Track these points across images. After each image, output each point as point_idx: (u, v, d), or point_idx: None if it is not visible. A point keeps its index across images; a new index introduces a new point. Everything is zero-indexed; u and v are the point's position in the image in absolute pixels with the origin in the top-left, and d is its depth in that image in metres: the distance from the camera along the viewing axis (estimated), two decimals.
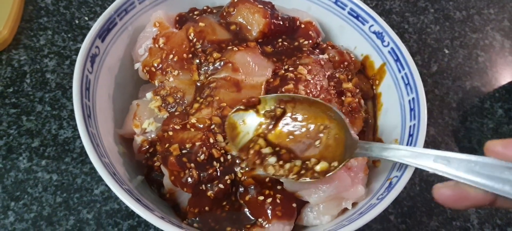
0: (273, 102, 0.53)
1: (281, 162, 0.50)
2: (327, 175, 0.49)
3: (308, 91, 0.56)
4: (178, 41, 0.60)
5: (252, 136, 0.53)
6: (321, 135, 0.51)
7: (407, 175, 0.50)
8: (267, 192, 0.52)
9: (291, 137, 0.52)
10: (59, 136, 0.67)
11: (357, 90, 0.62)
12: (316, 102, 0.53)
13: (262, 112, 0.54)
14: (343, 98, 0.60)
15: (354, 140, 0.49)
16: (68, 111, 0.70)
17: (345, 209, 0.54)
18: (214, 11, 0.67)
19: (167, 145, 0.53)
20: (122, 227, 0.61)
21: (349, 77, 0.63)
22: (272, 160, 0.50)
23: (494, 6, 0.95)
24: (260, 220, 0.51)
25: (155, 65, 0.59)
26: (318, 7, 0.69)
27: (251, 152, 0.51)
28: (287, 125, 0.53)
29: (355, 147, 0.49)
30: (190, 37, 0.60)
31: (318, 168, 0.49)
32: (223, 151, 0.52)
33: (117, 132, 0.58)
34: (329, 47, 0.66)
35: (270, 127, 0.53)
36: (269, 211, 0.50)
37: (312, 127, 0.52)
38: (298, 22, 0.66)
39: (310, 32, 0.66)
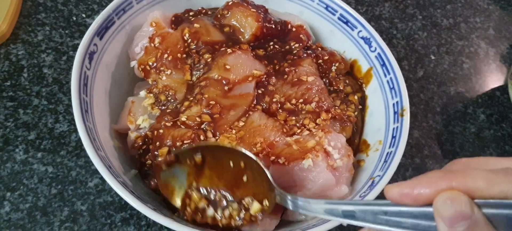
0: (189, 154, 0.52)
1: (219, 211, 0.50)
2: (261, 217, 0.49)
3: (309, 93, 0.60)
4: (173, 41, 0.62)
5: (186, 187, 0.53)
6: (245, 171, 0.50)
7: (389, 174, 0.53)
8: None
9: (219, 177, 0.51)
10: (55, 130, 0.69)
11: (360, 106, 0.66)
12: (227, 148, 0.51)
13: (187, 163, 0.52)
14: (346, 106, 0.64)
15: (272, 185, 0.49)
16: (64, 105, 0.71)
17: None
18: (209, 12, 0.70)
19: (157, 143, 0.54)
20: (115, 219, 0.63)
21: (354, 90, 0.66)
22: (210, 212, 0.51)
23: (480, 15, 0.98)
24: None
25: (150, 63, 0.61)
26: (310, 12, 0.71)
27: (188, 210, 0.51)
28: (211, 167, 0.52)
29: (274, 192, 0.49)
30: (185, 38, 0.62)
31: (252, 210, 0.49)
32: None
33: (113, 127, 0.60)
34: (319, 48, 0.69)
35: (197, 175, 0.52)
36: None
37: (232, 164, 0.51)
38: (289, 26, 0.68)
39: (301, 35, 0.68)
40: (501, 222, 0.32)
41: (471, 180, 0.33)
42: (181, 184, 0.53)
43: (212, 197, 0.51)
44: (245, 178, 0.51)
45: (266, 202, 0.49)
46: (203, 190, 0.52)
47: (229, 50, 0.60)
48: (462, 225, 0.32)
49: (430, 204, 0.34)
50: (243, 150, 0.50)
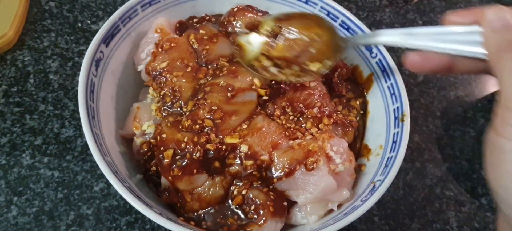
0: (271, 22, 0.62)
1: (280, 70, 0.60)
2: (321, 71, 0.59)
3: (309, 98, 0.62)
4: (181, 47, 0.63)
5: (257, 53, 0.62)
6: (315, 41, 0.60)
7: (390, 179, 0.54)
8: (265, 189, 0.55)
9: (290, 48, 0.61)
10: (61, 135, 0.70)
11: (361, 111, 0.67)
12: (307, 15, 0.63)
13: (263, 32, 0.62)
14: (348, 111, 0.66)
15: (342, 38, 0.59)
16: (70, 111, 0.73)
17: (331, 210, 0.57)
18: (213, 19, 0.71)
19: (162, 148, 0.55)
20: (120, 223, 0.64)
21: (356, 95, 0.69)
22: (273, 69, 0.60)
23: None
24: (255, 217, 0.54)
25: (158, 68, 0.62)
26: None
27: (254, 67, 0.60)
28: (285, 39, 0.62)
29: (344, 44, 0.59)
30: (191, 43, 0.63)
31: (313, 68, 0.59)
32: (218, 143, 0.55)
33: (119, 132, 0.61)
34: None
35: (271, 43, 0.62)
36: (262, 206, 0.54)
37: (305, 37, 0.60)
38: None
39: None
40: None
41: None
42: (254, 49, 0.62)
43: (278, 62, 0.60)
44: (312, 49, 0.60)
45: (328, 62, 0.59)
46: (272, 57, 0.61)
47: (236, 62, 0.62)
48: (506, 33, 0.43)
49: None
50: (324, 17, 0.61)
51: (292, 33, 0.61)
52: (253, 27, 0.63)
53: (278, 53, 0.61)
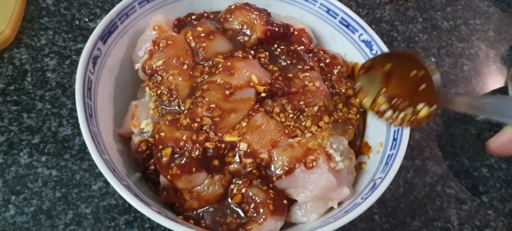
0: (382, 61, 0.63)
1: (396, 114, 0.60)
2: (428, 119, 0.57)
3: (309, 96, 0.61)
4: (177, 44, 0.63)
5: (376, 91, 0.63)
6: (423, 81, 0.58)
7: (390, 176, 0.54)
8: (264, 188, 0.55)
9: (402, 85, 0.61)
10: (58, 133, 0.70)
11: (361, 108, 0.66)
12: (413, 54, 0.64)
13: (377, 71, 0.63)
14: (348, 109, 0.65)
15: (438, 86, 0.57)
16: (67, 109, 0.72)
17: (332, 208, 0.57)
18: (211, 16, 0.70)
19: (160, 146, 0.54)
20: (119, 222, 0.63)
21: (356, 92, 0.68)
22: (389, 114, 0.60)
23: (480, 17, 0.98)
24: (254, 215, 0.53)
25: (154, 66, 0.62)
26: (311, 16, 0.72)
27: (374, 111, 0.63)
28: (397, 77, 0.62)
29: (439, 91, 0.57)
30: (189, 41, 0.63)
31: (421, 114, 0.58)
32: (217, 142, 0.54)
33: (117, 131, 0.61)
34: (321, 52, 0.70)
35: (386, 81, 0.62)
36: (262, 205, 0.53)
37: (414, 73, 0.59)
38: (291, 29, 0.69)
39: (303, 38, 0.69)
40: None
41: None
42: (374, 89, 0.63)
43: (393, 102, 0.61)
44: (421, 87, 0.58)
45: (434, 107, 0.57)
46: (389, 94, 0.62)
47: (235, 57, 0.61)
48: None
49: None
50: (422, 59, 0.58)
51: (403, 69, 0.61)
52: (367, 68, 0.65)
53: (393, 90, 0.61)
